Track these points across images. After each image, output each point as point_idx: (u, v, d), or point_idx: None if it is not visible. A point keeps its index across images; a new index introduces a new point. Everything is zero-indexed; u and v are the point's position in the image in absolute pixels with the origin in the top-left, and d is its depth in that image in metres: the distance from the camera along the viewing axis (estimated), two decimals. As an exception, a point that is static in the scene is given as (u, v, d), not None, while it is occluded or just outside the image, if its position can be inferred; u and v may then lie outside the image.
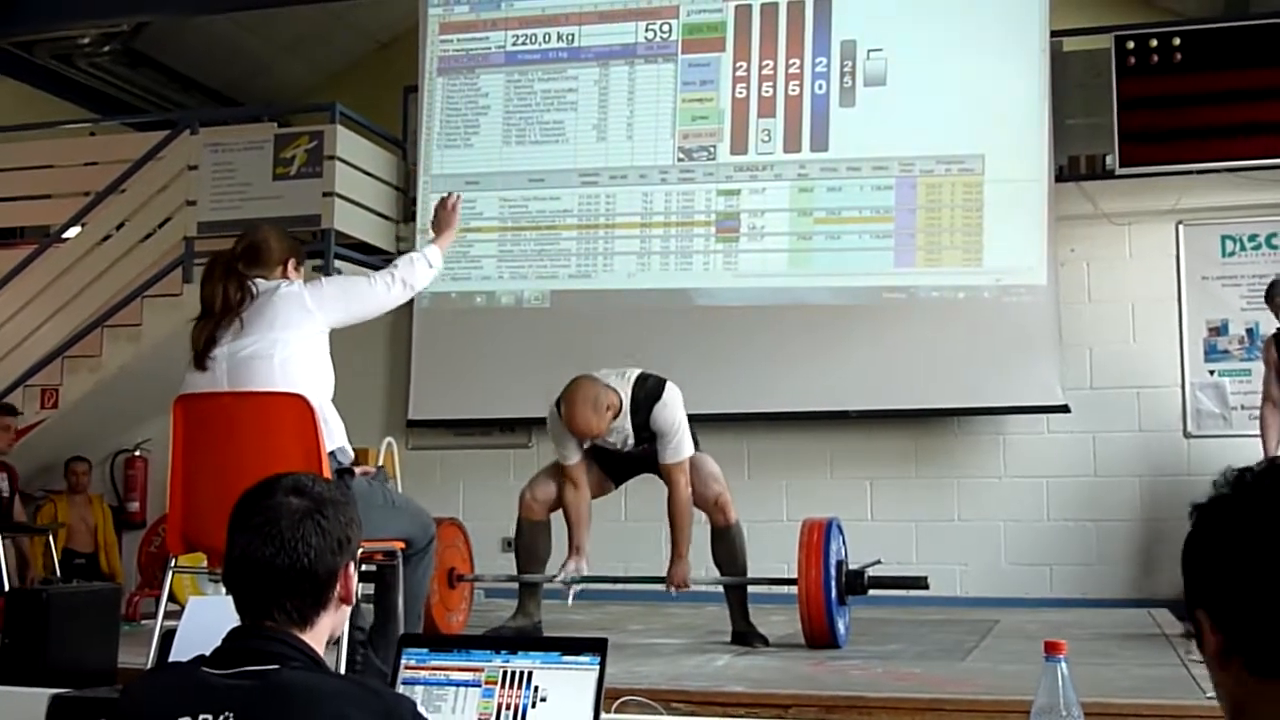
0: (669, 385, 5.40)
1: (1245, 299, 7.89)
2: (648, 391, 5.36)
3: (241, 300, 3.81)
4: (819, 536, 5.24)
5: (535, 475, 5.76)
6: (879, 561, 5.66)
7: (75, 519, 8.63)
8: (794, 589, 5.27)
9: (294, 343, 3.79)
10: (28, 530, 8.22)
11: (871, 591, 5.49)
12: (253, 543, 1.98)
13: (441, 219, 4.38)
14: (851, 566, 5.44)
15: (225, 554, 2.04)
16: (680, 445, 5.39)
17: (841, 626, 5.30)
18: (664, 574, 5.57)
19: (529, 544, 5.63)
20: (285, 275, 3.98)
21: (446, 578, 5.65)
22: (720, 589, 5.69)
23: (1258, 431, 6.72)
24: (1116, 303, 8.08)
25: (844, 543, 5.51)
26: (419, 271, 4.12)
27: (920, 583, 5.60)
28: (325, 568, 2.00)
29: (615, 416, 5.32)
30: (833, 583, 5.18)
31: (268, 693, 1.86)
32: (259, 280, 3.89)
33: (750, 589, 5.65)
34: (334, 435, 3.79)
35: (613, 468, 5.72)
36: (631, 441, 5.43)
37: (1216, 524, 1.38)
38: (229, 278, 3.84)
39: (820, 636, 5.18)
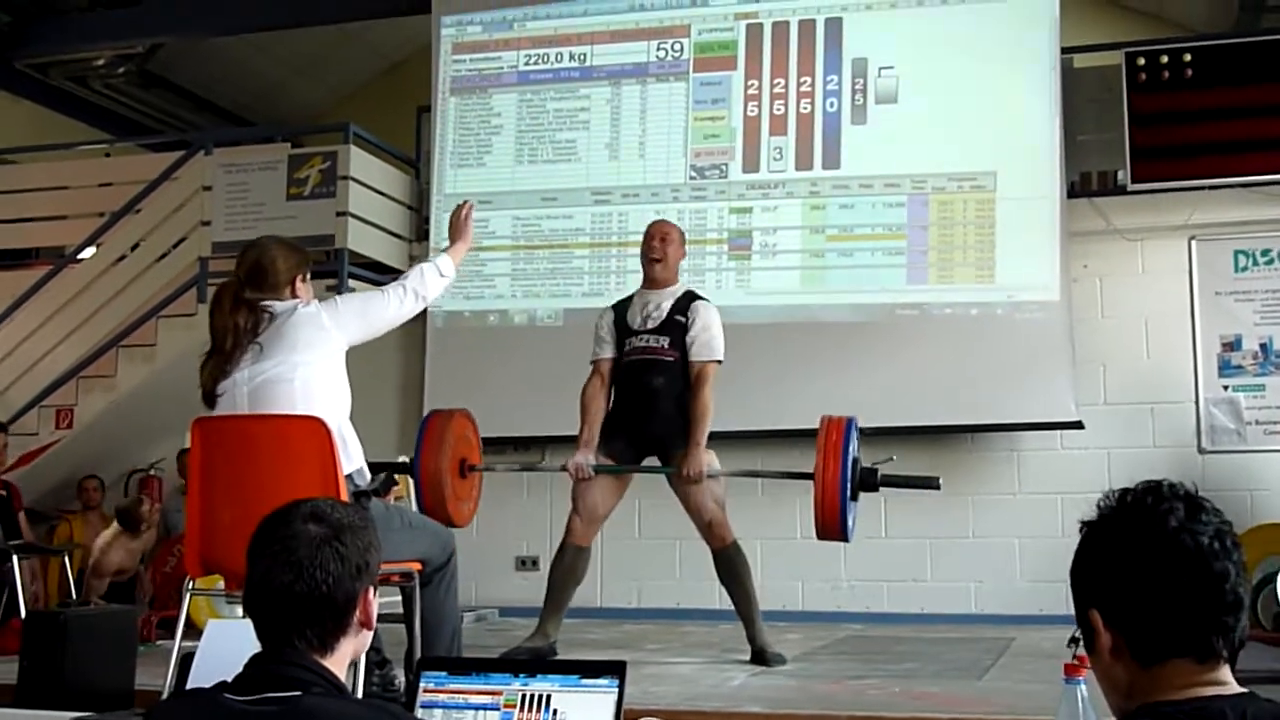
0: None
1: (1259, 314, 7.88)
2: (699, 295, 5.65)
3: (255, 327, 3.80)
4: (839, 434, 5.22)
5: (573, 497, 5.61)
6: (892, 459, 5.61)
7: (89, 538, 8.63)
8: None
9: (314, 363, 3.79)
10: (42, 551, 8.22)
11: (883, 489, 5.46)
12: (271, 570, 1.99)
13: (455, 228, 4.39)
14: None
15: (245, 580, 2.05)
16: (710, 343, 5.48)
17: (851, 520, 5.28)
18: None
19: (569, 565, 5.55)
20: (295, 293, 3.96)
21: (459, 468, 5.53)
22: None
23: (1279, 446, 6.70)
24: (1130, 318, 8.07)
25: (858, 441, 5.47)
26: (430, 281, 4.11)
27: (932, 482, 5.57)
28: (344, 594, 2.00)
29: (670, 284, 5.61)
30: (848, 478, 5.17)
31: (290, 719, 1.86)
32: (273, 303, 3.89)
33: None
34: (352, 457, 3.79)
35: (619, 450, 5.56)
36: (661, 318, 5.50)
37: (1106, 536, 1.70)
38: (238, 309, 3.82)
39: (832, 529, 5.15)
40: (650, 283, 5.66)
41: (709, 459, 5.38)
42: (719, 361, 5.51)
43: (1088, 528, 1.73)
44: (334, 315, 3.89)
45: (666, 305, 5.55)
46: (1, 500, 8.01)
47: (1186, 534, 1.65)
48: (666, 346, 5.50)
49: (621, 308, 5.70)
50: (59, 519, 8.83)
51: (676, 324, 5.51)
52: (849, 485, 5.17)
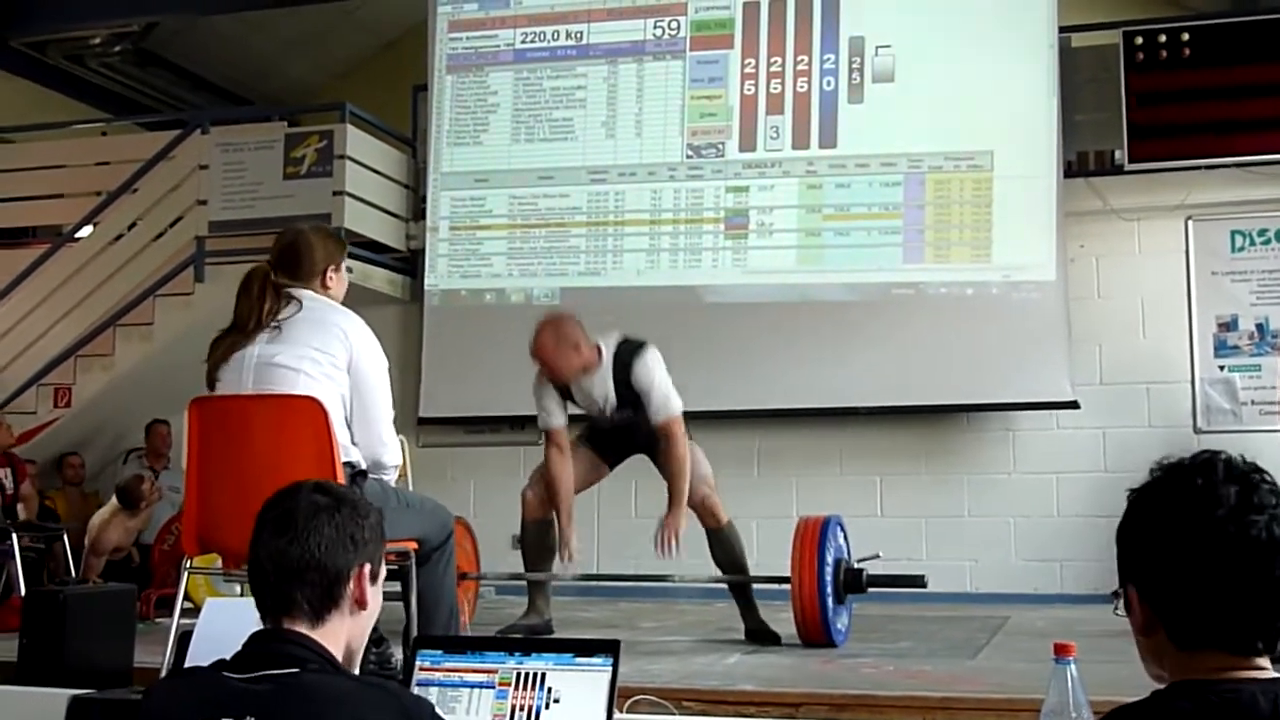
0: (649, 345, 5.38)
1: (1255, 294, 7.89)
2: (630, 349, 5.34)
3: (276, 312, 3.72)
4: (813, 537, 5.18)
5: (533, 473, 5.72)
6: (878, 556, 5.63)
7: (72, 516, 8.56)
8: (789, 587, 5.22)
9: (323, 366, 3.71)
10: (40, 529, 8.21)
11: (870, 590, 5.47)
12: (270, 535, 2.05)
13: None
14: (851, 563, 5.42)
15: (249, 554, 2.08)
16: (667, 400, 5.31)
17: (840, 625, 5.27)
18: (669, 574, 5.53)
19: (535, 542, 5.62)
20: (325, 284, 3.85)
21: None
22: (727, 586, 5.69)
23: (1277, 426, 6.71)
24: (1126, 298, 8.08)
25: (845, 540, 5.48)
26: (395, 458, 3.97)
27: (919, 581, 5.59)
28: (334, 562, 2.03)
29: (594, 367, 5.28)
30: (829, 582, 5.14)
31: (287, 696, 1.88)
32: (303, 292, 3.78)
33: (756, 586, 5.64)
34: (347, 449, 3.75)
35: (604, 447, 5.65)
36: (613, 400, 5.36)
37: (1148, 508, 1.59)
38: (265, 292, 3.71)
39: (815, 636, 5.15)
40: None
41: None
42: (681, 412, 5.38)
43: (1134, 496, 1.62)
44: (352, 373, 3.74)
45: (610, 387, 5.34)
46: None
47: (1234, 525, 1.52)
48: (633, 412, 5.39)
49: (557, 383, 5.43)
50: (45, 497, 8.82)
51: (631, 395, 5.35)
52: (829, 592, 5.14)
